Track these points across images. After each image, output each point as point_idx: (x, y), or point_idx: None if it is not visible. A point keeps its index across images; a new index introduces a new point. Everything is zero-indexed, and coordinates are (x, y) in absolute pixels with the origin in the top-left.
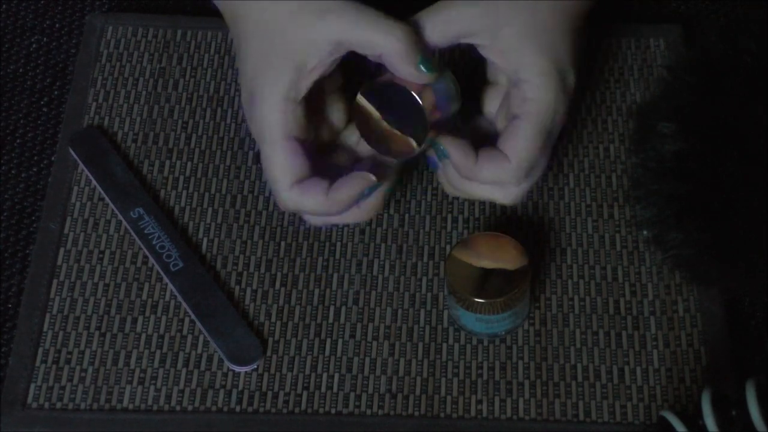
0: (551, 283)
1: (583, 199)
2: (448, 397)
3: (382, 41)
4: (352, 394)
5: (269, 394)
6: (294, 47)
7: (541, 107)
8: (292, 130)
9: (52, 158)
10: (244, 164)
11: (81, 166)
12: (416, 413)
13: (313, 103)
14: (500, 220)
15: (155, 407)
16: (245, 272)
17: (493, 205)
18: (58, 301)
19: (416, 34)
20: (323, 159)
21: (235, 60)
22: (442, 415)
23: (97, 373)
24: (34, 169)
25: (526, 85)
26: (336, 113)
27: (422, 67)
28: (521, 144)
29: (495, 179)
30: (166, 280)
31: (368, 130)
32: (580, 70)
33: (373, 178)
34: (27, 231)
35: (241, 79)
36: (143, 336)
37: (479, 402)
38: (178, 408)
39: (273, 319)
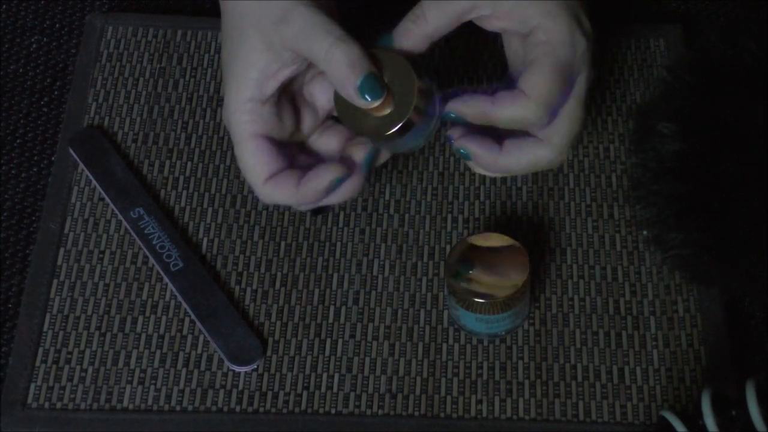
0: (551, 283)
1: (583, 199)
2: (448, 397)
3: (322, 57)
4: (352, 394)
5: (269, 394)
6: (256, 52)
7: (555, 43)
8: (260, 129)
9: (52, 158)
10: None
11: (81, 166)
12: (416, 413)
13: (293, 94)
14: (500, 220)
15: (155, 407)
16: (245, 272)
17: (493, 205)
18: (58, 301)
19: (363, 52)
20: (306, 151)
21: None
22: (442, 415)
23: (97, 373)
24: (34, 169)
25: (539, 31)
26: (321, 98)
27: (361, 92)
28: (538, 78)
29: (515, 118)
30: (166, 280)
31: (344, 105)
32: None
33: (342, 168)
34: (27, 231)
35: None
36: (143, 336)
37: (479, 402)
38: (178, 408)
39: (273, 319)
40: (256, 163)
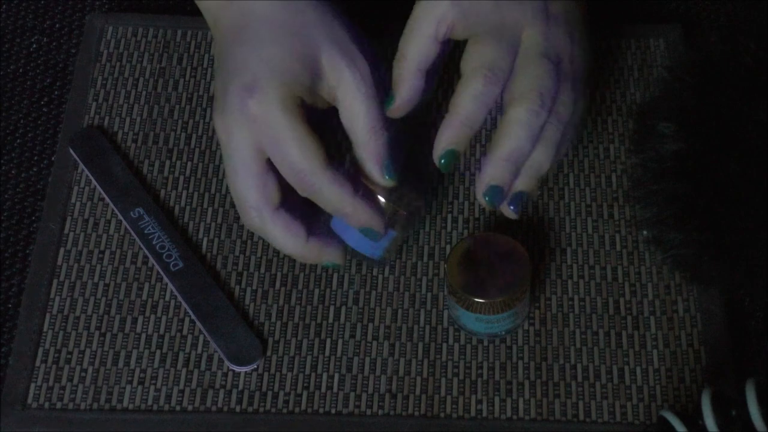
0: (551, 283)
1: (583, 199)
2: (448, 397)
3: (359, 140)
4: (352, 394)
5: (269, 394)
6: (293, 60)
7: (470, 14)
8: (305, 121)
9: (52, 158)
10: None
11: (81, 166)
12: (416, 413)
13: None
14: (500, 220)
15: (155, 407)
16: (245, 272)
17: None
18: (58, 301)
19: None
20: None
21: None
22: (442, 415)
23: (97, 373)
24: (34, 169)
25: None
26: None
27: (386, 172)
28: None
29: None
30: (166, 280)
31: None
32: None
33: (339, 260)
34: (27, 231)
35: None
36: (143, 336)
37: (479, 402)
38: (178, 408)
39: (273, 319)
40: (315, 147)
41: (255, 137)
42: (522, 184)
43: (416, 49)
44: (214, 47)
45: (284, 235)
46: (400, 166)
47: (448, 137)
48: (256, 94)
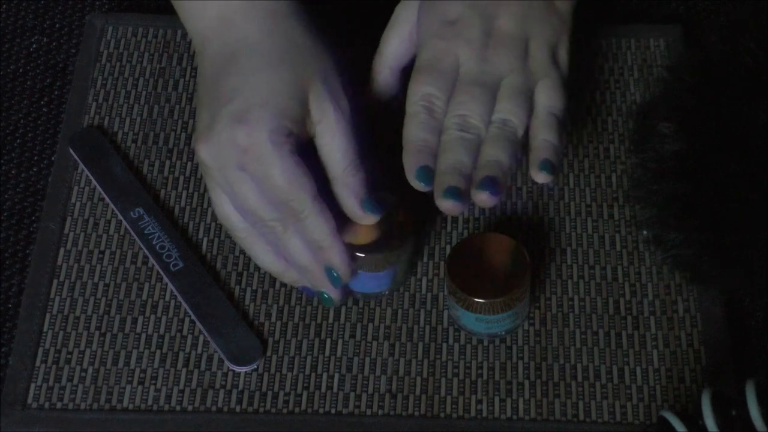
0: (551, 283)
1: (583, 199)
2: (448, 397)
3: (337, 175)
4: (352, 394)
5: (269, 394)
6: (289, 85)
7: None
8: (294, 150)
9: (52, 158)
10: None
11: (81, 166)
12: (416, 413)
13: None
14: (500, 220)
15: (155, 407)
16: (245, 272)
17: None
18: (58, 301)
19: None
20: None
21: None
22: (442, 415)
23: (97, 373)
24: (34, 169)
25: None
26: None
27: (365, 208)
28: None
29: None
30: (166, 280)
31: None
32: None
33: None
34: (27, 231)
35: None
36: (143, 336)
37: (479, 402)
38: (178, 408)
39: (273, 319)
40: (304, 178)
41: (244, 166)
42: (483, 173)
43: (390, 48)
44: (199, 74)
45: (267, 254)
46: (384, 204)
47: (410, 163)
48: (247, 125)
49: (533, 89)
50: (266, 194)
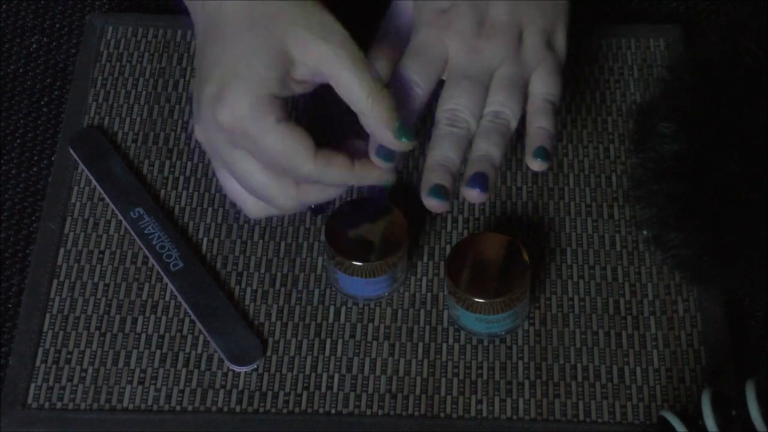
0: (551, 283)
1: (583, 199)
2: (448, 397)
3: (362, 108)
4: (352, 394)
5: (269, 394)
6: (275, 53)
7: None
8: (284, 116)
9: (52, 158)
10: None
11: (81, 166)
12: (416, 413)
13: None
14: (500, 220)
15: (155, 407)
16: (245, 272)
17: (493, 205)
18: (58, 301)
19: (393, 101)
20: None
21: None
22: (442, 415)
23: (97, 373)
24: (34, 169)
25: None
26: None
27: (398, 136)
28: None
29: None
30: (166, 280)
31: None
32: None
33: (392, 176)
34: (27, 231)
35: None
36: (143, 336)
37: (479, 402)
38: (178, 408)
39: (273, 319)
40: (297, 143)
41: (236, 144)
42: (473, 168)
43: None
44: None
45: (293, 205)
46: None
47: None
48: (226, 104)
49: (528, 78)
50: (267, 167)
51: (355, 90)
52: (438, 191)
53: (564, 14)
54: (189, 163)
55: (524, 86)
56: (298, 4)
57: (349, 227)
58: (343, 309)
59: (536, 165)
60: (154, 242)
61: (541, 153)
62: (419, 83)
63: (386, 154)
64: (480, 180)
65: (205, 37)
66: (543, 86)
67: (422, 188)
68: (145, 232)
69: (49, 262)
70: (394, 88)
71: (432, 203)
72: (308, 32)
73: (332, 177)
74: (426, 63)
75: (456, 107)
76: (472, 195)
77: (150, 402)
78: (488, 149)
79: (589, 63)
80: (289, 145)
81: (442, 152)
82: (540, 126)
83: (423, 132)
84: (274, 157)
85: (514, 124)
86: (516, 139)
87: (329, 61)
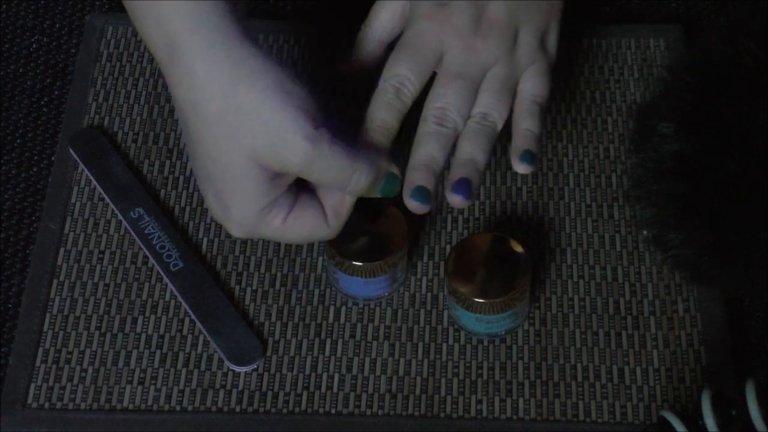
0: (551, 283)
1: (583, 199)
2: (448, 397)
3: (349, 190)
4: (352, 394)
5: (269, 394)
6: (257, 170)
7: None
8: (287, 210)
9: (52, 158)
10: None
11: (81, 166)
12: (416, 413)
13: None
14: (500, 220)
15: (155, 407)
16: (245, 272)
17: (493, 205)
18: (58, 301)
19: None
20: None
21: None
22: (442, 415)
23: (97, 373)
24: (34, 169)
25: None
26: None
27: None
28: None
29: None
30: (166, 280)
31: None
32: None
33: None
34: (27, 231)
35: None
36: (143, 336)
37: (479, 402)
38: (178, 408)
39: (273, 319)
40: (311, 230)
41: (249, 236)
42: (457, 173)
43: (379, 21)
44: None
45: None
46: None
47: (365, 140)
48: (234, 223)
49: (519, 78)
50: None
51: (334, 183)
52: (421, 193)
53: (558, 14)
54: (189, 163)
55: (514, 86)
56: (261, 110)
57: (350, 227)
58: (343, 309)
59: (521, 168)
60: (154, 242)
61: (527, 156)
62: (411, 78)
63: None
64: (464, 186)
65: (186, 124)
66: (532, 87)
67: (405, 187)
68: (145, 232)
69: (49, 262)
70: (385, 81)
71: (414, 205)
72: (275, 148)
73: (345, 219)
74: (420, 58)
75: (446, 106)
76: (456, 201)
77: (150, 402)
78: (474, 153)
79: (589, 63)
80: (303, 234)
81: (428, 151)
82: (527, 128)
83: (409, 124)
84: (295, 242)
85: (500, 126)
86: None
87: (301, 168)
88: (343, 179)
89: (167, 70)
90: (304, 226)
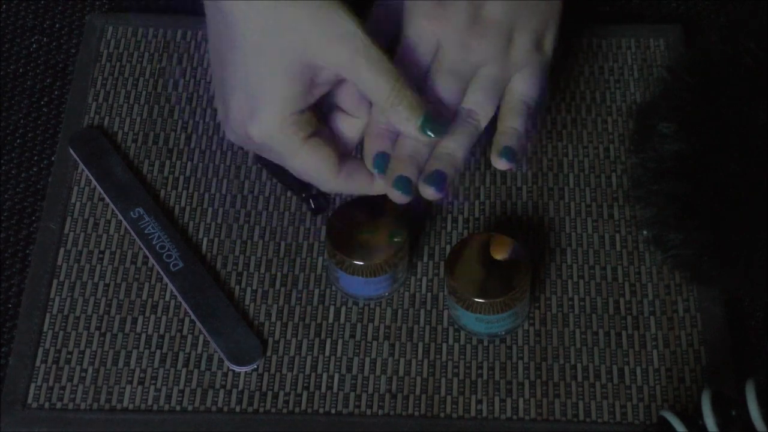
0: (551, 283)
1: (583, 199)
2: (448, 397)
3: (383, 103)
4: (352, 394)
5: (269, 394)
6: (295, 66)
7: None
8: (308, 131)
9: (52, 158)
10: (244, 164)
11: (81, 166)
12: (416, 413)
13: None
14: (500, 220)
15: (155, 407)
16: (245, 272)
17: (493, 205)
18: (58, 301)
19: (418, 94)
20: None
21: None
22: (442, 415)
23: (97, 373)
24: (34, 169)
25: None
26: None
27: (423, 130)
28: None
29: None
30: (166, 280)
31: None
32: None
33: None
34: (27, 231)
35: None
36: (143, 336)
37: (479, 402)
38: (178, 408)
39: (273, 319)
40: (321, 163)
41: (266, 153)
42: (433, 165)
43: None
44: (208, 37)
45: (355, 186)
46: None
47: (369, 147)
48: (256, 122)
49: (510, 78)
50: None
51: (374, 96)
52: (403, 183)
53: (557, 15)
54: (189, 163)
55: (504, 87)
56: (314, 7)
57: (350, 227)
58: (343, 309)
59: (501, 164)
60: (154, 242)
61: (507, 153)
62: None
63: (380, 164)
64: (438, 179)
65: (219, 38)
66: (523, 87)
67: (387, 176)
68: (145, 232)
69: (49, 262)
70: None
71: (395, 195)
72: (326, 37)
73: (354, 190)
74: (419, 62)
75: (435, 102)
76: (428, 192)
77: (150, 402)
78: (453, 149)
79: (589, 63)
80: (313, 165)
81: (412, 144)
82: (511, 126)
83: None
84: (300, 173)
85: (483, 125)
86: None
87: (350, 63)
88: (387, 82)
89: None
90: (316, 156)
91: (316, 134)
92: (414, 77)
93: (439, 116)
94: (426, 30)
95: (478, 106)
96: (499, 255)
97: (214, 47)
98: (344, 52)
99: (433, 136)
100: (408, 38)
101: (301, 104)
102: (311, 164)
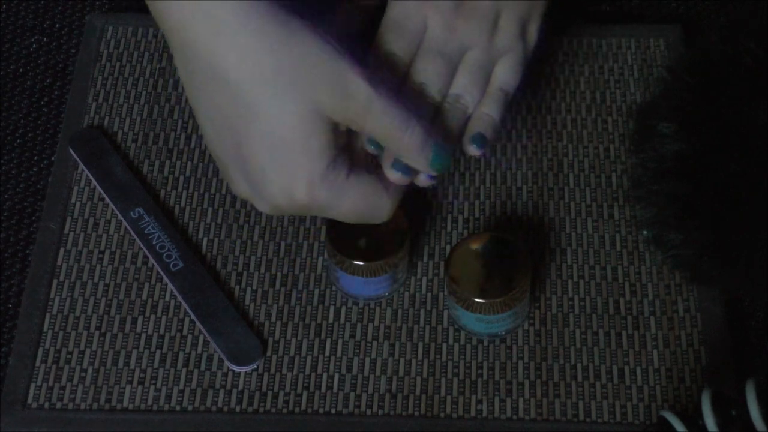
0: (551, 283)
1: (583, 199)
2: (448, 397)
3: (394, 143)
4: (352, 394)
5: (269, 394)
6: (314, 116)
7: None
8: (348, 170)
9: (52, 158)
10: None
11: (81, 166)
12: (416, 413)
13: None
14: (500, 220)
15: (155, 407)
16: (245, 272)
17: (493, 205)
18: (58, 301)
19: (426, 132)
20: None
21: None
22: (442, 415)
23: (97, 373)
24: (34, 169)
25: None
26: None
27: (433, 166)
28: None
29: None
30: (166, 280)
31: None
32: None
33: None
34: (27, 231)
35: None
36: (143, 336)
37: (479, 402)
38: (178, 408)
39: (273, 319)
40: (377, 201)
41: (312, 213)
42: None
43: None
44: (189, 93)
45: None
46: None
47: None
48: (300, 186)
49: (495, 63)
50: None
51: (383, 140)
52: (401, 166)
53: (542, 6)
54: (189, 163)
55: (490, 71)
56: (319, 58)
57: (350, 227)
58: (343, 309)
59: (471, 150)
60: (154, 242)
61: (479, 139)
62: (401, 57)
63: (403, 168)
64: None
65: (225, 117)
66: (504, 75)
67: (384, 159)
68: (145, 232)
69: (49, 262)
70: (373, 61)
71: (395, 177)
72: (334, 96)
73: (398, 200)
74: (406, 36)
75: (426, 83)
76: (422, 180)
77: (150, 402)
78: (443, 135)
79: (589, 63)
80: (365, 199)
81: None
82: (486, 112)
83: None
84: (352, 212)
85: (470, 110)
86: (515, 139)
87: (357, 115)
88: (400, 128)
89: (209, 47)
90: (365, 190)
91: (353, 172)
92: (399, 59)
93: (443, 150)
94: (413, 8)
95: (465, 90)
96: (499, 255)
97: (220, 127)
98: (360, 98)
99: (440, 172)
100: (395, 19)
101: (334, 150)
102: (362, 199)
